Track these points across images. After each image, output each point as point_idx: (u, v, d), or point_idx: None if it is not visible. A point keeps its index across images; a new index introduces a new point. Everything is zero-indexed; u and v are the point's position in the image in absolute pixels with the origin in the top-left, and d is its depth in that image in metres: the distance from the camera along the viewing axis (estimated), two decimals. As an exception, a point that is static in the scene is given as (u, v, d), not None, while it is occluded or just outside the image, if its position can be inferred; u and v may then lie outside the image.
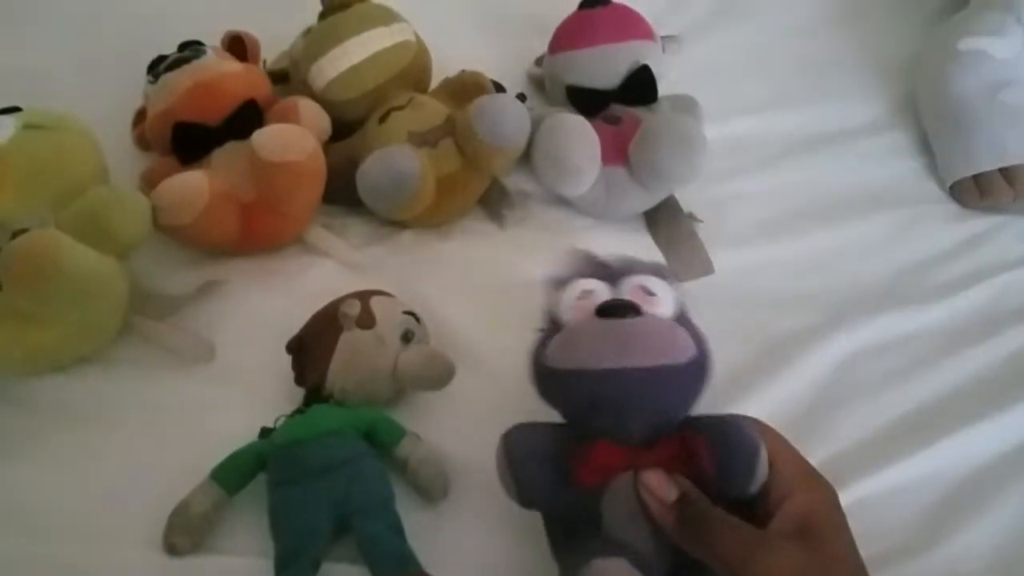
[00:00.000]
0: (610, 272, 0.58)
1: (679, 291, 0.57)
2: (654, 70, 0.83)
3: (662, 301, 0.54)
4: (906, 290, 0.78)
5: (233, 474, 0.60)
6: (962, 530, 0.61)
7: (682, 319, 0.55)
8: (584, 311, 0.54)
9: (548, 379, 0.55)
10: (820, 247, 0.81)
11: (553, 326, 0.57)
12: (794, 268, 0.79)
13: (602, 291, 0.56)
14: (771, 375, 0.70)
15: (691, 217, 0.81)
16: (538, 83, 0.95)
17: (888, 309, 0.75)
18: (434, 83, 0.89)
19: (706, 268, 0.78)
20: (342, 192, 0.78)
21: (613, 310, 0.53)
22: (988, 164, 0.84)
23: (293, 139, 0.73)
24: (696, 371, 0.53)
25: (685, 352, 0.52)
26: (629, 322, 0.52)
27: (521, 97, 0.85)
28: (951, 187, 0.86)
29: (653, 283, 0.55)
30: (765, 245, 0.81)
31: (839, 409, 0.69)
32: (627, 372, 0.50)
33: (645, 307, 0.54)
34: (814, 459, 0.64)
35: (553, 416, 0.57)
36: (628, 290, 0.55)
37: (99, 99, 0.89)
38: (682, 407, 0.54)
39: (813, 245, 0.81)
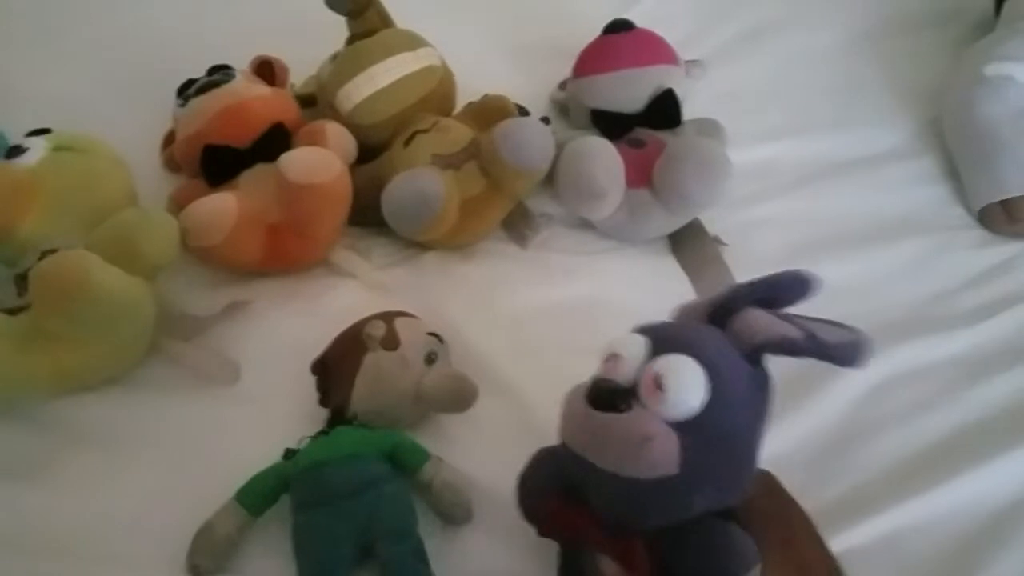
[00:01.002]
0: (665, 338, 0.51)
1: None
2: (678, 94, 0.84)
3: (671, 400, 0.47)
4: (934, 317, 0.77)
5: (257, 496, 0.60)
6: (994, 562, 0.60)
7: (696, 426, 0.47)
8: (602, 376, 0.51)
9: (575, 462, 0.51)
10: (847, 273, 0.80)
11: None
12: (821, 294, 0.78)
13: (627, 360, 0.50)
14: (798, 403, 0.69)
15: (716, 241, 0.81)
16: (561, 107, 0.95)
17: (916, 336, 0.75)
18: (458, 107, 0.90)
19: (731, 292, 0.77)
20: (367, 214, 0.79)
21: (596, 398, 0.49)
22: (1016, 189, 0.83)
23: (320, 162, 0.74)
24: (669, 490, 0.47)
25: (655, 468, 0.46)
26: (602, 419, 0.48)
27: (544, 121, 0.85)
28: (979, 213, 0.86)
29: (676, 374, 0.48)
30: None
31: (867, 438, 0.68)
32: (589, 465, 0.48)
33: (648, 400, 0.48)
34: (841, 490, 0.63)
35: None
36: (645, 373, 0.49)
37: (127, 122, 0.91)
38: (646, 516, 0.49)
39: (840, 271, 0.80)
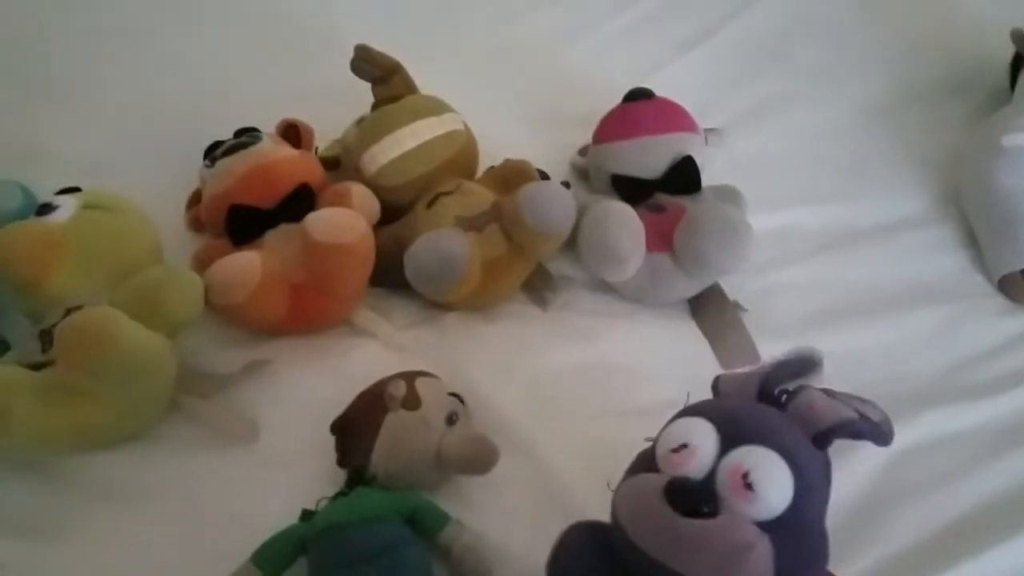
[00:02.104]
0: (735, 425, 0.48)
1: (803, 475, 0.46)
2: (697, 161, 0.85)
3: (762, 498, 0.45)
4: (956, 386, 0.76)
5: (274, 558, 0.59)
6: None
7: (782, 524, 0.45)
8: (669, 468, 0.47)
9: (614, 524, 0.48)
10: (868, 340, 0.81)
11: (643, 460, 0.50)
12: (843, 361, 0.76)
13: (704, 452, 0.46)
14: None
15: (736, 306, 0.81)
16: (581, 172, 0.96)
17: (940, 404, 0.74)
18: (479, 171, 0.91)
19: (752, 357, 0.77)
20: (389, 274, 0.80)
21: (678, 499, 0.45)
22: (1037, 258, 0.83)
23: (346, 222, 0.75)
24: None
25: None
26: (691, 526, 0.44)
27: (564, 185, 0.86)
28: (999, 282, 0.86)
29: (764, 470, 0.45)
30: (812, 337, 0.78)
31: (891, 509, 0.67)
32: (670, 573, 0.44)
33: (736, 501, 0.45)
34: (867, 561, 0.62)
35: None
36: (728, 469, 0.46)
37: (152, 182, 0.92)
38: None
39: (861, 338, 0.81)
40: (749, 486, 0.45)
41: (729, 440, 0.47)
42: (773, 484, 0.45)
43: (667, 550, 0.44)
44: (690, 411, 0.50)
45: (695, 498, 0.45)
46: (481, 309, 0.82)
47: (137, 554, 0.63)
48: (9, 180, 0.87)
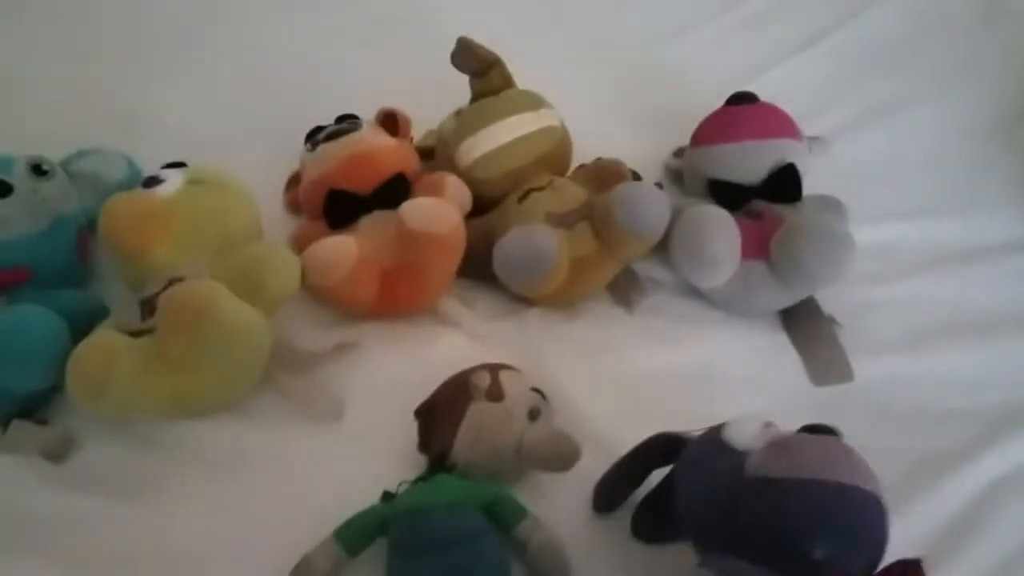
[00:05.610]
0: None
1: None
2: (799, 169, 0.82)
3: None
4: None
5: (356, 535, 0.60)
6: None
7: None
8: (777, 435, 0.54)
9: (757, 491, 0.51)
10: (968, 364, 0.78)
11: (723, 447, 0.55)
12: (940, 384, 0.75)
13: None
14: (913, 497, 0.66)
15: (831, 320, 0.79)
16: (675, 174, 0.95)
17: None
18: (571, 168, 0.90)
19: (845, 374, 0.75)
20: (475, 265, 0.80)
21: (828, 428, 0.53)
22: None
23: (440, 212, 0.76)
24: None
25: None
26: (847, 443, 0.53)
27: (657, 187, 0.85)
28: (1113, 313, 0.81)
29: None
30: (910, 356, 0.77)
31: (988, 534, 0.64)
32: (858, 491, 0.50)
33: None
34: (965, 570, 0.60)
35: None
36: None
37: (254, 162, 0.94)
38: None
39: (960, 361, 0.78)
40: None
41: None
42: None
43: (846, 467, 0.52)
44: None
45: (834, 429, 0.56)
46: (565, 306, 0.82)
47: (219, 521, 0.65)
48: (116, 151, 0.91)
